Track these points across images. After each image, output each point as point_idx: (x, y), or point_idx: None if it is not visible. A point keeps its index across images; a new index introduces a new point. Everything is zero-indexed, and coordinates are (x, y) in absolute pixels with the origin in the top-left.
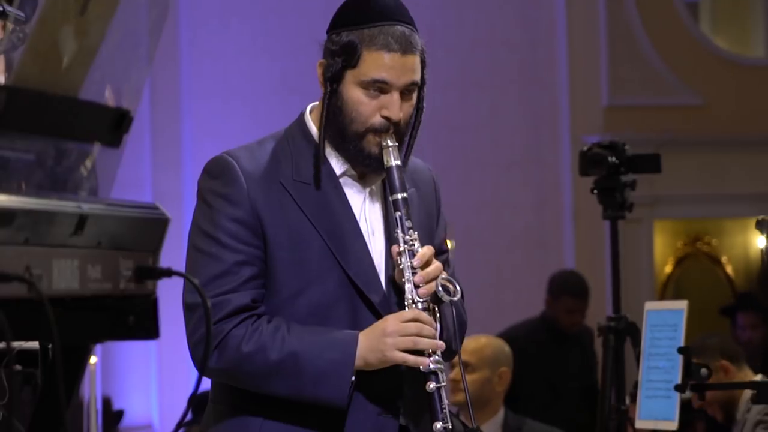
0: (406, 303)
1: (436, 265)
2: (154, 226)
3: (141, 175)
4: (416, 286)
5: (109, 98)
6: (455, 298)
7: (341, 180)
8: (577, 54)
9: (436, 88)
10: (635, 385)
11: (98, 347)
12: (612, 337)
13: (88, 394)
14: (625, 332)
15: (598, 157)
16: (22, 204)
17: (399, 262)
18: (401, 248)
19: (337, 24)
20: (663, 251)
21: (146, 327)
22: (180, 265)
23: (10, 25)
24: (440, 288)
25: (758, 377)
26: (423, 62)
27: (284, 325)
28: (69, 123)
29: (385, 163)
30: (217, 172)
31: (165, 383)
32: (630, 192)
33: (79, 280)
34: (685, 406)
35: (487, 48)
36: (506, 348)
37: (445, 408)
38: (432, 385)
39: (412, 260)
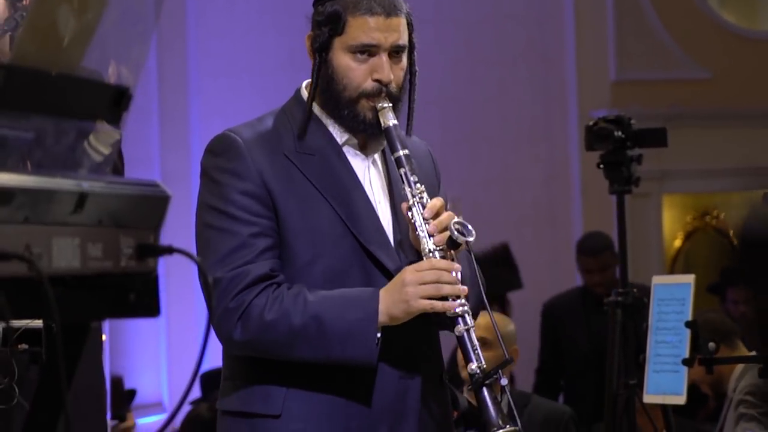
0: (422, 253)
1: (448, 213)
2: (155, 203)
3: (149, 154)
4: (430, 236)
5: (111, 75)
6: (471, 239)
7: (344, 149)
8: (585, 28)
9: (443, 64)
10: (642, 359)
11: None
12: (619, 311)
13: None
14: (632, 307)
15: (604, 132)
16: (21, 182)
17: (410, 216)
18: (411, 202)
19: None
20: (672, 225)
21: (147, 304)
22: (188, 243)
23: (16, 5)
24: (455, 232)
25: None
26: (410, 25)
27: (304, 290)
28: (68, 101)
29: (383, 124)
30: (221, 149)
31: (175, 361)
32: (636, 166)
33: (80, 259)
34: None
35: (494, 23)
36: (512, 325)
37: (476, 349)
38: (460, 327)
39: (423, 212)
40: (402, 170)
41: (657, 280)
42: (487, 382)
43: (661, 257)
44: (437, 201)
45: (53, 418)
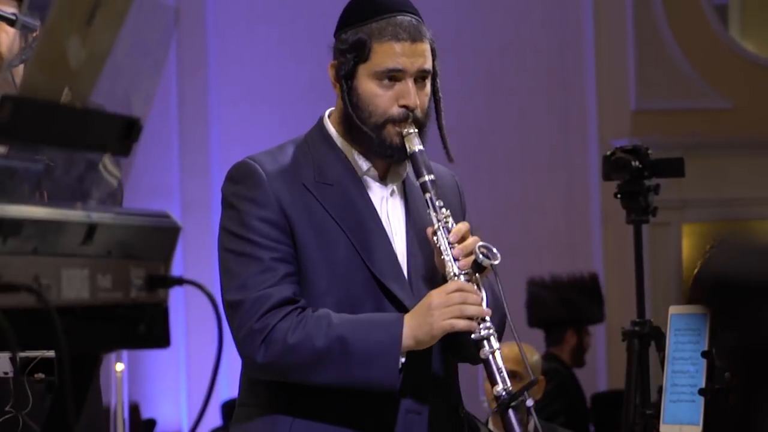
0: (447, 277)
1: (473, 238)
2: (166, 234)
3: (169, 182)
4: (456, 260)
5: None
6: (496, 262)
7: (363, 179)
8: (605, 58)
9: (464, 92)
10: (659, 390)
11: (125, 355)
12: (636, 341)
13: (115, 401)
14: (649, 336)
15: (621, 162)
16: (30, 214)
17: (436, 241)
18: (436, 226)
19: (344, 24)
20: (691, 254)
21: (157, 335)
22: (209, 271)
23: (30, 36)
24: (480, 255)
25: None
26: (433, 51)
27: (330, 312)
28: (77, 132)
29: (408, 149)
30: (240, 176)
31: (194, 390)
32: (654, 196)
33: (89, 290)
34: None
35: (515, 52)
36: (537, 355)
37: (502, 371)
38: (486, 350)
39: (448, 236)
40: (427, 195)
41: (674, 310)
42: (513, 404)
43: (681, 286)
44: (463, 225)
45: None
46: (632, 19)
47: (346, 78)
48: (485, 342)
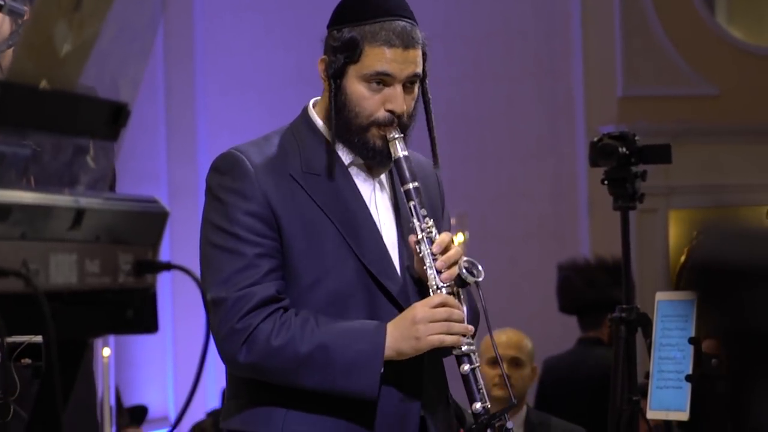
0: (430, 289)
1: (456, 249)
2: (154, 219)
3: (156, 169)
4: (438, 272)
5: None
6: (480, 279)
7: (349, 170)
8: (592, 45)
9: (451, 79)
10: (646, 376)
11: (112, 341)
12: (623, 328)
13: (102, 387)
14: (636, 323)
15: (608, 148)
16: (18, 198)
17: (418, 250)
18: (419, 236)
19: (338, 20)
20: (678, 241)
21: (145, 321)
22: (195, 258)
23: (19, 20)
24: (464, 270)
25: None
26: (425, 55)
27: (312, 318)
28: (65, 117)
29: (393, 154)
30: (226, 167)
31: (181, 376)
32: (641, 183)
33: (78, 275)
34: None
35: (503, 39)
36: (531, 343)
37: (481, 388)
38: (466, 366)
39: (432, 247)
40: (411, 203)
41: (661, 296)
42: (494, 422)
43: (667, 273)
44: (446, 236)
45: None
46: (620, 5)
47: (334, 76)
48: (465, 358)
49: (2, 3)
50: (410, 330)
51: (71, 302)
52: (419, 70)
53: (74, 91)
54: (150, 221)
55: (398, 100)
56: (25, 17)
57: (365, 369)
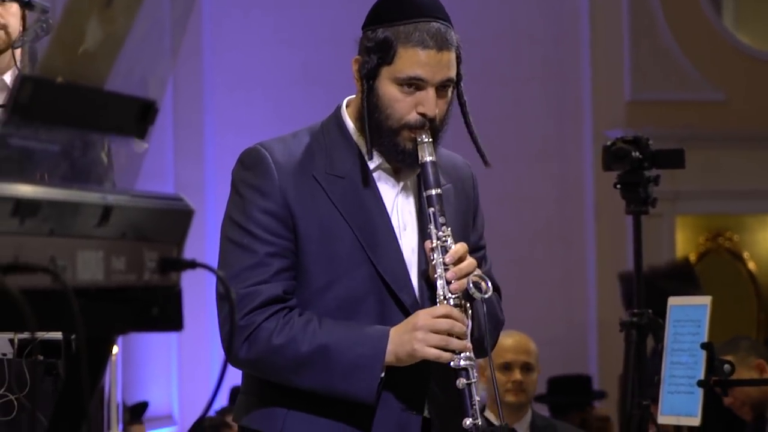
0: (437, 299)
1: (470, 261)
2: (179, 217)
3: (163, 166)
4: (448, 282)
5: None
6: (486, 296)
7: (375, 174)
8: (600, 48)
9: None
10: (657, 381)
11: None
12: (634, 332)
13: (109, 384)
14: (647, 328)
15: (621, 152)
16: (47, 195)
17: (432, 258)
18: (434, 244)
19: (373, 20)
20: (685, 246)
21: (170, 319)
22: (201, 256)
23: (33, 16)
24: (471, 285)
25: None
26: (459, 58)
27: (315, 318)
28: (94, 114)
29: (420, 158)
30: (250, 163)
31: (186, 374)
32: (653, 187)
33: (104, 272)
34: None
35: (510, 42)
36: (534, 345)
37: (475, 405)
38: (462, 381)
39: (445, 257)
40: (431, 209)
41: (673, 301)
42: None
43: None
44: (460, 247)
45: (74, 430)
46: (628, 9)
47: (368, 77)
48: (464, 372)
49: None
50: (409, 335)
51: (97, 299)
52: (452, 73)
53: (104, 88)
54: (175, 219)
55: (430, 103)
56: (37, 15)
57: (364, 373)
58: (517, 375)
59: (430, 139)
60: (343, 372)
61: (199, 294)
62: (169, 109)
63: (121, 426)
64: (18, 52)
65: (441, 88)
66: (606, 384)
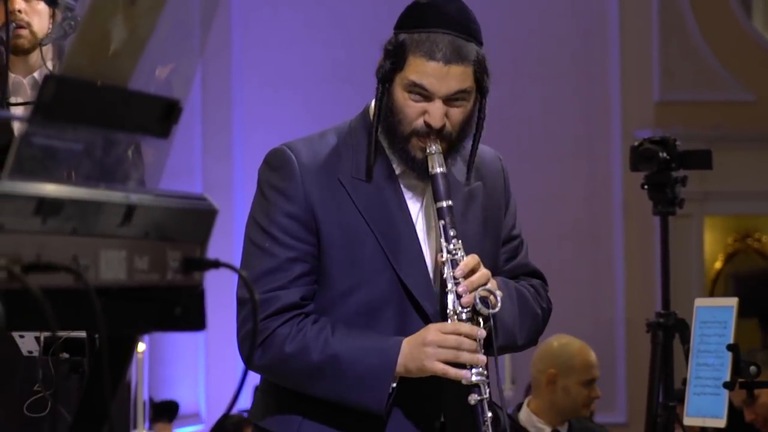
0: (448, 314)
1: (482, 272)
2: (202, 216)
3: (191, 164)
4: (458, 296)
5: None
6: (494, 311)
7: (402, 180)
8: (630, 48)
9: None
10: (683, 382)
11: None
12: (661, 333)
13: (135, 381)
14: (673, 328)
15: (649, 153)
16: (70, 194)
17: (443, 271)
18: (444, 258)
19: (399, 24)
20: (713, 247)
21: (193, 318)
22: (229, 253)
23: (59, 14)
24: (478, 301)
25: None
26: (482, 72)
27: (329, 326)
28: (118, 113)
29: (430, 170)
30: (275, 164)
31: (213, 373)
32: (681, 188)
33: (127, 271)
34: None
35: (540, 41)
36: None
37: (487, 420)
38: (474, 397)
39: (454, 270)
40: (441, 222)
41: (699, 302)
42: None
43: (702, 279)
44: (471, 260)
45: (96, 429)
46: (657, 9)
47: (383, 80)
48: (476, 388)
49: None
50: (419, 350)
51: (120, 298)
52: (464, 86)
53: (127, 87)
54: (198, 218)
55: (435, 114)
56: (60, 13)
57: (374, 384)
58: (598, 392)
59: (440, 150)
60: (354, 382)
61: (226, 293)
62: (198, 107)
63: (147, 424)
64: (45, 49)
65: (454, 99)
66: (633, 384)
